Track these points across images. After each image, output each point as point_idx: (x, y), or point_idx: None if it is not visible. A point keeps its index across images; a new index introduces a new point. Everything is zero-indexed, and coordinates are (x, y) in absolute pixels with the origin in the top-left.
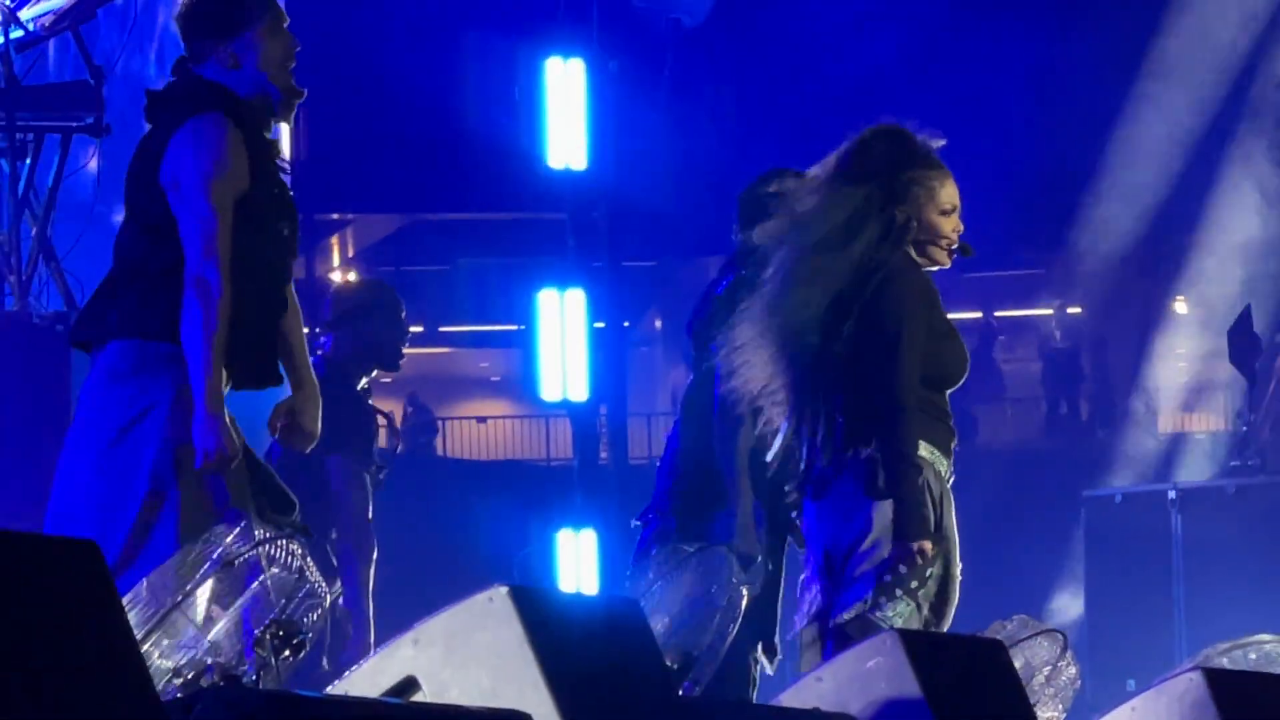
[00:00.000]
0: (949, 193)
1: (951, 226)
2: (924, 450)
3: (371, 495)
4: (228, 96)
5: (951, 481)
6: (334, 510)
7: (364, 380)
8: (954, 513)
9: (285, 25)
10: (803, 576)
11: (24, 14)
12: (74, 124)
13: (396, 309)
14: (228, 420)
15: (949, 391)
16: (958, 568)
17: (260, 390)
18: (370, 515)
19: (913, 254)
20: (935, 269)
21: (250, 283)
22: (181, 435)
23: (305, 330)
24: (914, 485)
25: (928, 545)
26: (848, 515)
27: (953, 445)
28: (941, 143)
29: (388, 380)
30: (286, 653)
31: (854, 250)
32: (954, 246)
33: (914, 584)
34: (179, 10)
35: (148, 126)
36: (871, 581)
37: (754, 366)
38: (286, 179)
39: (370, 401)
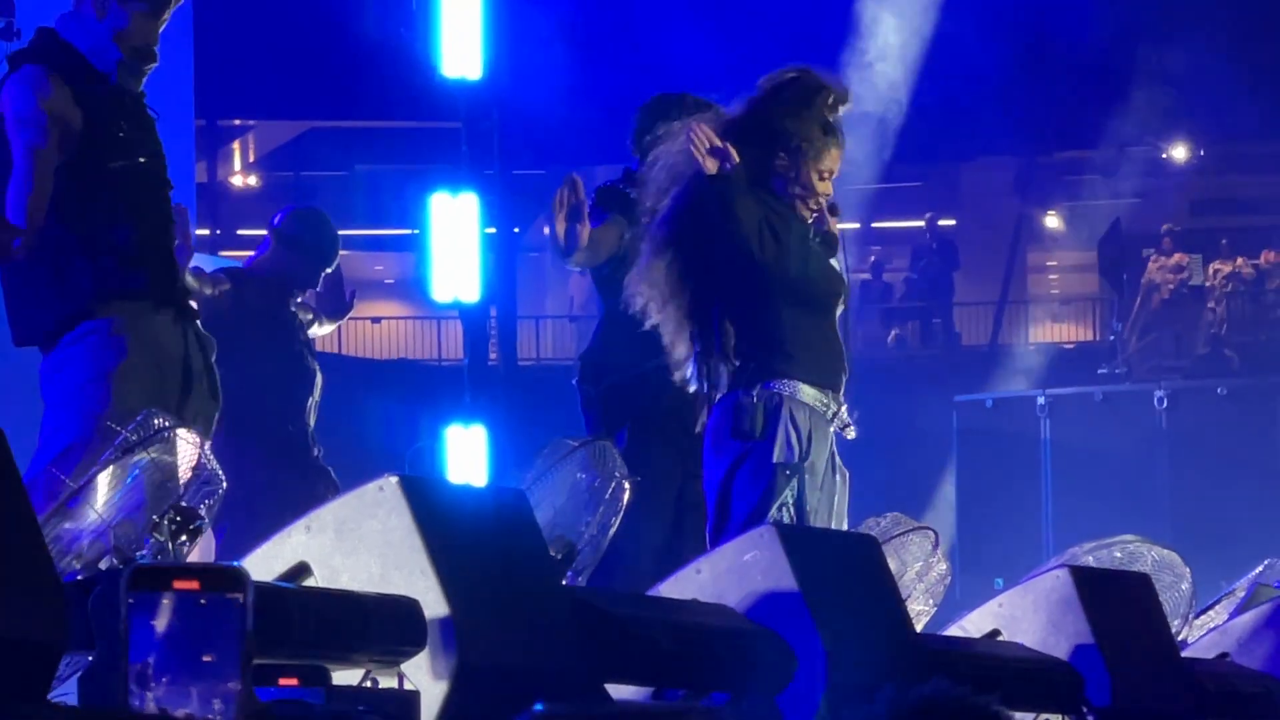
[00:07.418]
0: (832, 158)
1: (824, 190)
2: (804, 395)
3: None
4: (60, 50)
5: (840, 412)
6: None
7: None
8: (827, 450)
9: None
10: None
11: None
12: None
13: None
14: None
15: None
16: (814, 497)
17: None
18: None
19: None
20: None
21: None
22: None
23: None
24: None
25: None
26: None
27: (838, 376)
28: (848, 106)
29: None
30: (184, 538)
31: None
32: (820, 206)
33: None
34: None
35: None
36: None
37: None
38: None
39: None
